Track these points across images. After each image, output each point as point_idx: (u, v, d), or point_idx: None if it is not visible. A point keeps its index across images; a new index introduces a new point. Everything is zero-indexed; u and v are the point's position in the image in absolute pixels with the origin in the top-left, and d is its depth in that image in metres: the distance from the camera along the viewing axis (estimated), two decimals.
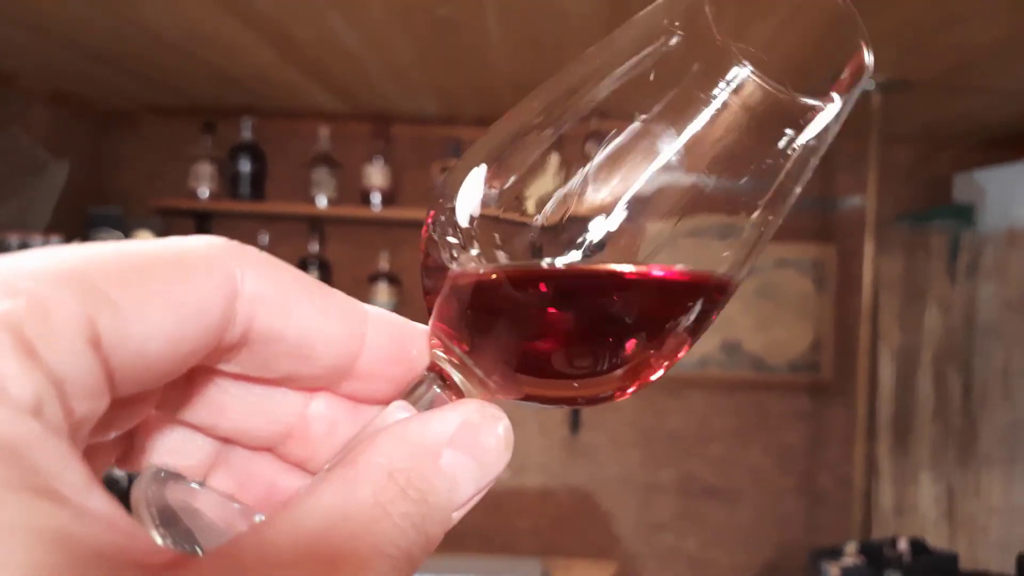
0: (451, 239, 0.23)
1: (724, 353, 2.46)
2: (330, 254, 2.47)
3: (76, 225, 2.19)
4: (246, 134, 2.38)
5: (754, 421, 2.51)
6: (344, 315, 0.23)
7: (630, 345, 0.23)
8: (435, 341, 0.24)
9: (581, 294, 0.22)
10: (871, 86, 1.82)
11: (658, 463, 2.53)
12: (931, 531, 2.18)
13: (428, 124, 2.46)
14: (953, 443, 2.21)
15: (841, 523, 2.40)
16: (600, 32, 1.77)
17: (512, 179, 0.23)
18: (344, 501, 0.18)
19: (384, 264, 2.43)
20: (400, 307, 2.40)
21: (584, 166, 0.22)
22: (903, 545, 1.86)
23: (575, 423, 2.51)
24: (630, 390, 0.24)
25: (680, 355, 0.24)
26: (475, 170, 0.23)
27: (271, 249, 0.26)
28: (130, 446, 0.23)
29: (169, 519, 0.21)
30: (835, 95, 0.22)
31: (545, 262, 0.22)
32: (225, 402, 0.23)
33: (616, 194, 0.21)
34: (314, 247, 2.43)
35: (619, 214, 0.21)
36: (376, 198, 2.38)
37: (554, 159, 0.23)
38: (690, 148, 0.21)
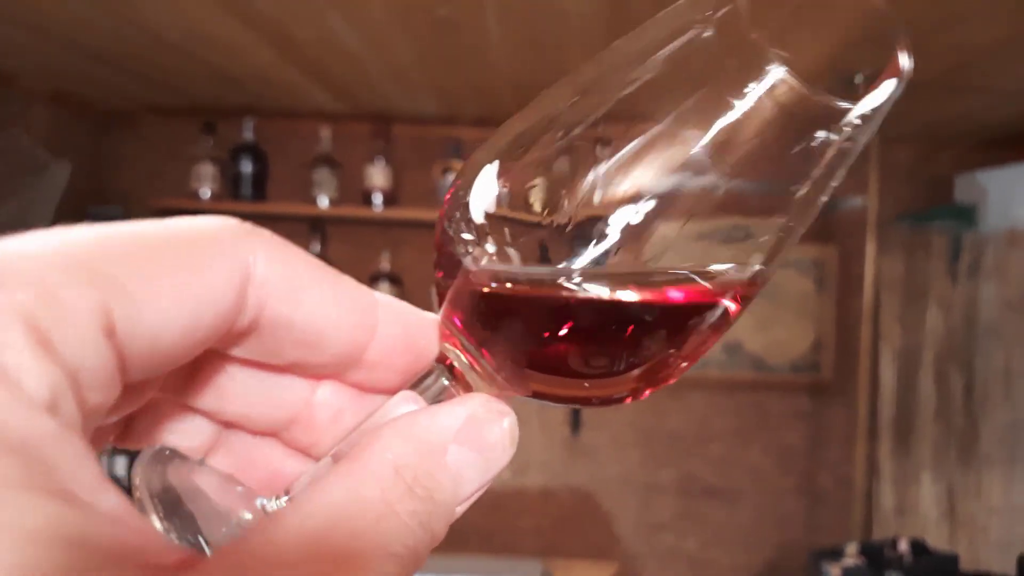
0: (466, 235, 0.23)
1: (724, 353, 2.45)
2: (331, 254, 2.47)
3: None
4: (247, 134, 2.38)
5: (754, 421, 2.50)
6: (355, 304, 0.22)
7: (644, 350, 0.23)
8: (445, 332, 0.24)
9: (598, 298, 0.22)
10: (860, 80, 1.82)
11: (658, 463, 2.53)
12: (932, 531, 2.18)
13: (428, 124, 2.46)
14: (954, 443, 2.21)
15: (841, 523, 2.40)
16: (600, 32, 1.77)
17: (529, 176, 0.22)
18: (351, 498, 0.18)
19: (385, 264, 2.43)
20: None
21: (604, 164, 0.21)
22: (904, 546, 1.86)
23: (576, 423, 2.51)
24: (641, 394, 0.24)
25: (694, 362, 0.24)
26: (491, 166, 0.23)
27: None
28: (129, 425, 0.23)
29: (171, 502, 0.21)
30: (870, 99, 0.21)
31: (563, 264, 0.22)
32: (230, 387, 0.23)
33: (636, 194, 0.21)
34: (315, 247, 2.43)
35: (638, 214, 0.21)
36: (377, 198, 2.38)
37: (573, 156, 0.22)
38: (717, 148, 0.21)
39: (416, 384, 0.24)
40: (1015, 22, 1.48)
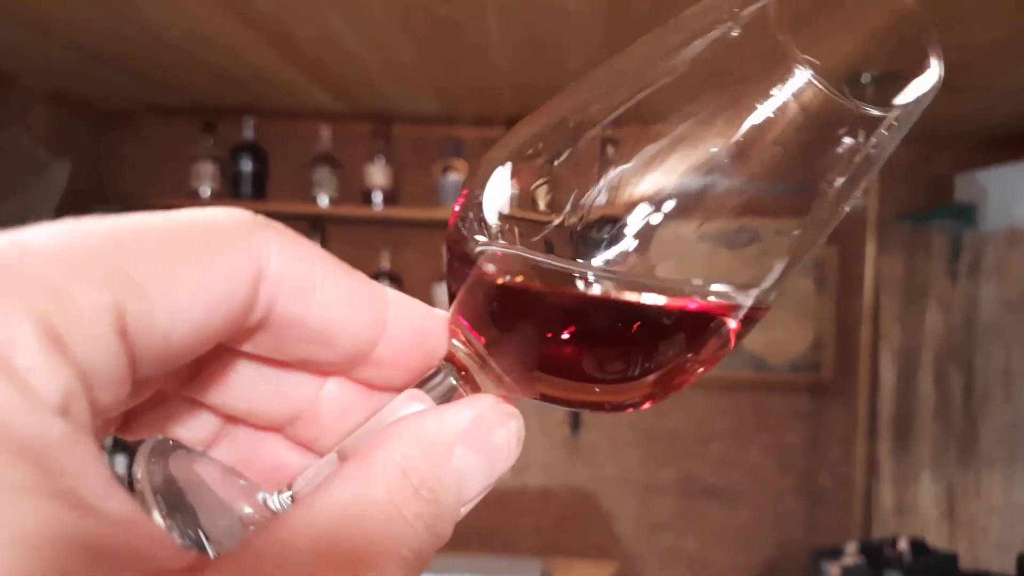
0: (479, 236, 0.23)
1: None
2: (331, 253, 2.46)
3: None
4: (247, 134, 2.38)
5: (754, 421, 2.50)
6: (366, 302, 0.22)
7: (656, 358, 0.22)
8: (454, 331, 0.24)
9: (611, 302, 0.22)
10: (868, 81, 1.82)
11: (658, 463, 2.53)
12: (931, 531, 2.18)
13: (428, 124, 2.46)
14: (954, 443, 2.21)
15: (841, 523, 2.40)
16: (600, 32, 1.77)
17: (543, 177, 0.22)
18: (358, 500, 0.18)
19: (385, 263, 2.43)
20: None
21: (620, 165, 0.21)
22: (903, 545, 1.86)
23: (575, 423, 2.51)
24: (649, 402, 0.24)
25: (709, 369, 0.23)
26: (505, 167, 0.23)
27: None
28: (131, 416, 0.22)
29: (172, 495, 0.21)
30: (899, 105, 0.21)
31: (577, 265, 0.21)
32: (236, 382, 0.23)
33: (652, 196, 0.21)
34: None
35: (653, 217, 0.21)
36: (377, 197, 2.38)
37: (588, 157, 0.22)
38: (738, 151, 0.20)
39: (423, 383, 0.24)
40: (1015, 22, 1.48)
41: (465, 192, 0.24)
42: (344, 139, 2.42)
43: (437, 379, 0.24)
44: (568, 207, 0.21)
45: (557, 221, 0.22)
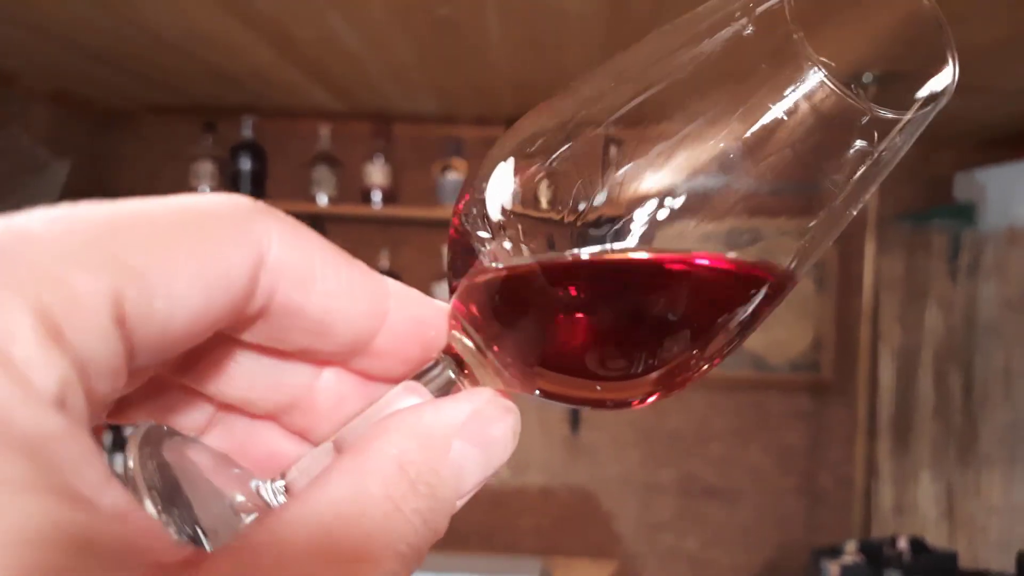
0: (482, 233, 0.23)
1: None
2: None
3: None
4: (247, 133, 2.38)
5: (754, 421, 2.50)
6: (367, 292, 0.22)
7: (658, 354, 0.22)
8: (454, 324, 0.24)
9: (610, 292, 0.22)
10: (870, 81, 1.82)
11: (658, 463, 2.53)
12: (931, 530, 2.18)
13: (428, 123, 2.46)
14: (953, 443, 2.21)
15: (841, 522, 2.40)
16: (600, 32, 1.77)
17: (548, 173, 0.22)
18: (356, 495, 0.18)
19: (384, 262, 2.43)
20: None
21: (626, 162, 0.21)
22: (903, 544, 1.86)
23: (575, 422, 2.51)
24: (648, 399, 0.24)
25: (715, 363, 0.23)
26: (508, 163, 0.23)
27: None
28: (124, 401, 0.22)
29: (165, 483, 0.20)
30: (914, 107, 0.20)
31: (578, 253, 0.21)
32: (232, 370, 0.23)
33: (657, 194, 0.20)
34: None
35: (658, 214, 0.20)
36: (377, 196, 2.38)
37: (594, 154, 0.21)
38: (748, 151, 0.20)
39: (421, 375, 0.23)
40: (1015, 22, 1.48)
41: (469, 187, 0.23)
42: (344, 138, 2.42)
43: (435, 371, 0.23)
44: (572, 204, 0.21)
45: (560, 218, 0.21)
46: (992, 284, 2.17)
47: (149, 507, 0.19)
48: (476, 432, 0.21)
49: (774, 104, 0.20)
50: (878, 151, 0.21)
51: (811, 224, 0.21)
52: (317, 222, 2.45)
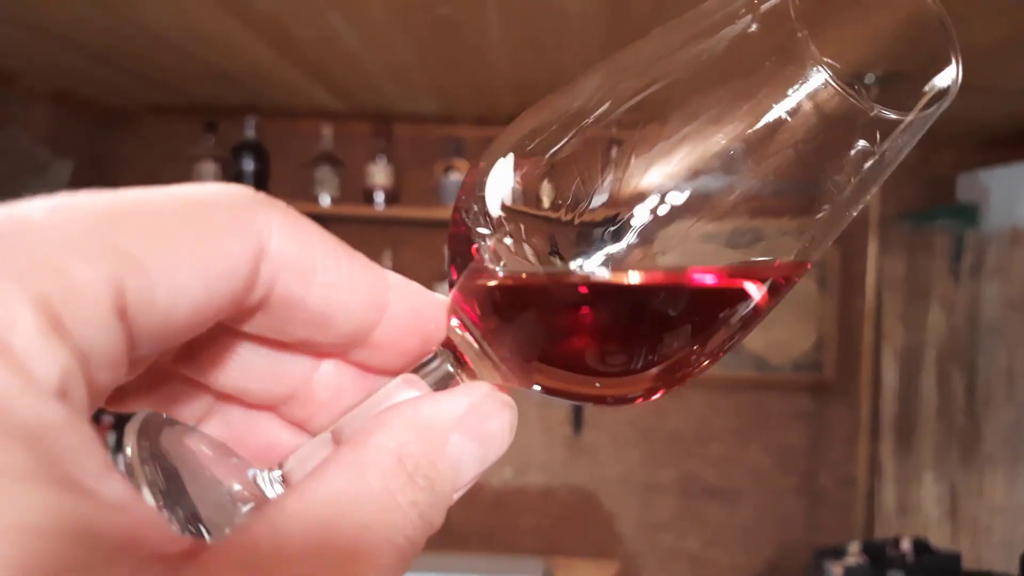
0: (482, 229, 0.23)
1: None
2: None
3: None
4: (249, 133, 2.38)
5: (755, 421, 2.50)
6: (367, 284, 0.22)
7: (655, 354, 0.22)
8: (453, 318, 0.24)
9: (612, 295, 0.21)
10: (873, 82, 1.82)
11: (659, 463, 2.52)
12: (934, 531, 2.18)
13: (429, 123, 2.46)
14: (956, 443, 2.21)
15: (843, 523, 2.40)
16: (600, 32, 1.77)
17: (548, 171, 0.22)
18: (354, 487, 0.18)
19: (387, 262, 2.43)
20: None
21: (627, 160, 0.21)
22: (906, 545, 1.86)
23: (577, 422, 2.51)
24: (652, 395, 0.24)
25: (714, 361, 0.23)
26: (508, 159, 0.22)
27: None
28: (122, 389, 0.22)
29: (163, 472, 0.20)
30: (917, 108, 0.20)
31: (579, 259, 0.21)
32: (230, 360, 0.23)
33: (658, 192, 0.20)
34: None
35: (659, 213, 0.20)
36: (379, 197, 2.38)
37: (594, 152, 0.21)
38: (750, 150, 0.20)
39: (419, 368, 0.24)
40: (1015, 22, 1.47)
41: (469, 181, 0.23)
42: (345, 138, 2.42)
43: (433, 365, 0.24)
44: (572, 201, 0.21)
45: (559, 216, 0.21)
46: (995, 284, 2.16)
47: (147, 496, 0.19)
48: (474, 426, 0.21)
49: (777, 103, 0.20)
50: (880, 151, 0.20)
51: (812, 224, 0.21)
52: (319, 222, 2.44)
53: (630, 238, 0.20)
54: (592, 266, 0.21)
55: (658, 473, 2.52)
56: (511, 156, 0.23)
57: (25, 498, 0.13)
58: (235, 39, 1.76)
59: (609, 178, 0.21)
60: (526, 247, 0.22)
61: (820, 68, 0.19)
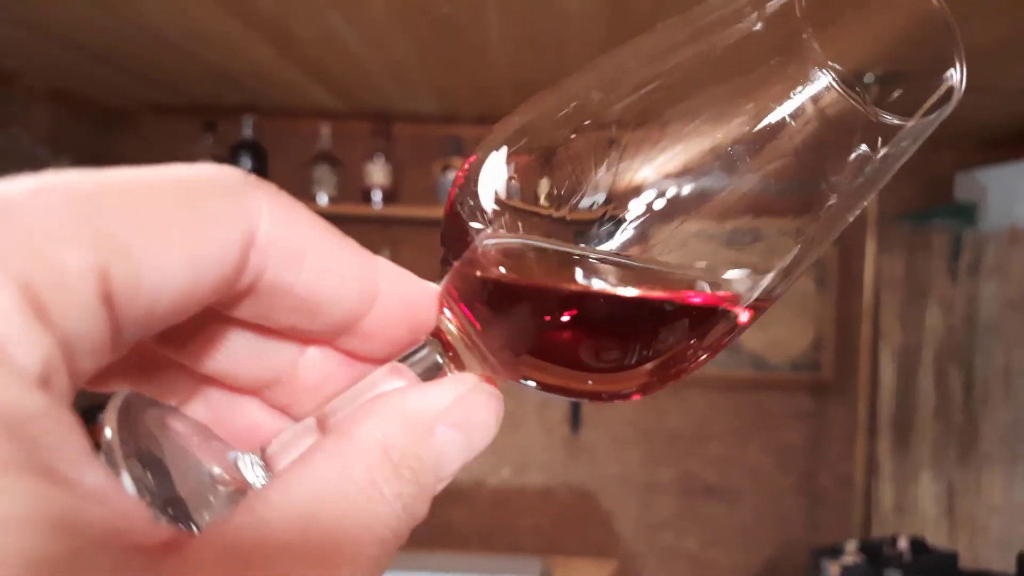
0: (475, 224, 0.22)
1: (724, 352, 2.44)
2: None
3: None
4: (247, 132, 2.38)
5: (754, 420, 2.50)
6: (358, 272, 0.21)
7: (646, 351, 0.22)
8: (443, 307, 0.24)
9: (605, 292, 0.21)
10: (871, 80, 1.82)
11: (658, 462, 2.53)
12: (931, 530, 2.18)
13: (428, 123, 2.46)
14: (954, 442, 2.21)
15: (841, 522, 2.40)
16: (600, 32, 1.77)
17: (544, 166, 0.22)
18: (339, 477, 0.18)
19: None
20: None
21: (624, 157, 0.20)
22: (903, 544, 1.86)
23: (575, 422, 2.51)
24: (636, 395, 0.23)
25: (698, 366, 0.23)
26: (501, 152, 0.22)
27: None
28: (105, 370, 0.21)
29: (142, 454, 0.20)
30: (919, 113, 0.20)
31: (578, 248, 0.21)
32: (216, 344, 0.22)
33: (655, 190, 0.20)
34: None
35: (654, 210, 0.20)
36: (377, 196, 2.38)
37: (590, 148, 0.21)
38: (750, 150, 0.20)
39: (406, 357, 0.23)
40: (1015, 22, 1.48)
41: (463, 173, 0.23)
42: (344, 138, 2.42)
43: (421, 354, 0.23)
44: (566, 197, 0.21)
45: (553, 212, 0.21)
46: (993, 284, 2.17)
47: (127, 481, 0.19)
48: (460, 418, 0.21)
49: (778, 104, 0.19)
50: (881, 155, 0.20)
51: (810, 225, 0.21)
52: None
53: (626, 236, 0.20)
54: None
55: (657, 472, 2.53)
56: (504, 149, 0.22)
57: (4, 487, 0.13)
58: (235, 39, 1.76)
59: (605, 174, 0.21)
60: (524, 242, 0.22)
61: (824, 70, 0.19)
